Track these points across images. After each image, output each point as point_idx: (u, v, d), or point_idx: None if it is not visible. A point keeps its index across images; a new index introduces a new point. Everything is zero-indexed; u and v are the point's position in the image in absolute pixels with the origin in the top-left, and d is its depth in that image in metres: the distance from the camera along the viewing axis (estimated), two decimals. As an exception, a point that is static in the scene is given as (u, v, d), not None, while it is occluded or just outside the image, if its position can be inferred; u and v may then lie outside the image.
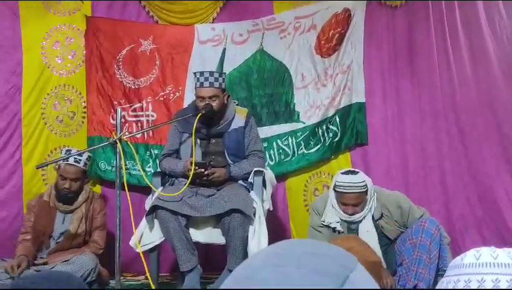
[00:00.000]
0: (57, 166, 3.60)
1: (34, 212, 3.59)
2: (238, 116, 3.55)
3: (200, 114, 3.37)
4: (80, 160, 3.54)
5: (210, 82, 3.42)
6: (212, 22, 4.25)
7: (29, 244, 3.51)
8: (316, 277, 0.59)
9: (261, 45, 4.21)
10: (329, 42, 4.22)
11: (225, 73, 3.72)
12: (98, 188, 4.16)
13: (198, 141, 3.49)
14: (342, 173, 3.20)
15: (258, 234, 3.25)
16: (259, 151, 3.57)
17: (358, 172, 3.20)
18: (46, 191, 3.66)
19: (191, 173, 3.27)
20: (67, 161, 3.52)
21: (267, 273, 0.60)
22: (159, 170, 3.69)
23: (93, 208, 3.65)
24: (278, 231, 3.98)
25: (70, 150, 3.60)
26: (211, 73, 3.48)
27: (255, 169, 3.47)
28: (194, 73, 3.55)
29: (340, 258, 0.62)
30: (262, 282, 0.60)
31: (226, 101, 3.50)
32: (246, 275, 0.62)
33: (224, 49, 4.20)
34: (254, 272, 0.62)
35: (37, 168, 3.53)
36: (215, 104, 3.42)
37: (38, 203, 3.61)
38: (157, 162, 3.84)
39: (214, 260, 3.77)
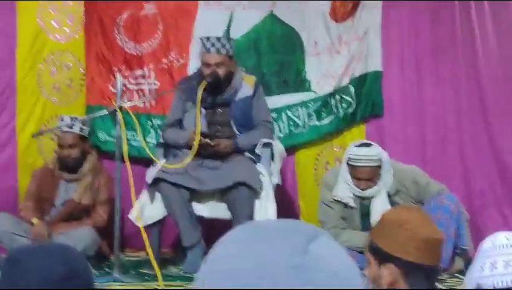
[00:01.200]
0: (55, 137, 3.61)
1: (38, 180, 3.66)
2: (246, 85, 3.50)
3: (204, 82, 3.32)
4: (73, 125, 3.57)
5: (217, 48, 3.37)
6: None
7: (31, 210, 3.55)
8: (288, 235, 0.67)
9: (272, 9, 4.13)
10: (345, 7, 4.13)
11: (233, 39, 3.65)
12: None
13: (203, 110, 3.45)
14: (355, 146, 3.16)
15: (265, 209, 3.22)
16: (267, 122, 3.53)
17: (372, 144, 3.16)
18: (51, 159, 3.73)
19: (196, 144, 3.23)
20: (62, 129, 3.56)
21: (244, 235, 0.71)
22: (161, 141, 3.65)
23: (99, 181, 3.67)
24: (286, 206, 3.94)
25: (63, 117, 3.63)
26: (218, 38, 3.43)
27: (263, 141, 3.42)
28: (200, 38, 3.51)
29: (309, 226, 0.70)
30: (238, 242, 0.70)
31: (233, 69, 3.45)
32: (223, 239, 0.73)
33: (232, 14, 4.13)
34: (232, 237, 0.73)
35: (33, 137, 3.53)
36: (221, 71, 3.38)
37: (42, 171, 3.69)
38: (160, 132, 3.80)
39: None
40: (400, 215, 1.66)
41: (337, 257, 0.67)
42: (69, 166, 3.61)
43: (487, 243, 1.37)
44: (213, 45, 3.38)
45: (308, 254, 0.65)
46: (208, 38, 3.42)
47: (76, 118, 3.60)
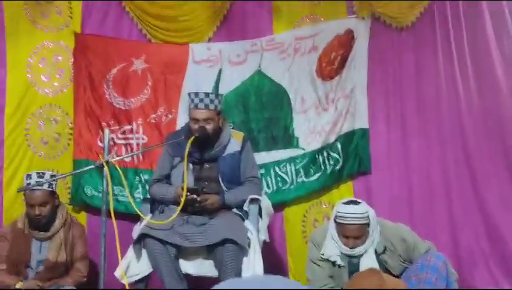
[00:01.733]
0: (23, 196, 3.53)
1: (9, 240, 3.53)
2: (234, 141, 3.53)
3: (193, 137, 3.35)
4: (43, 184, 3.45)
5: (205, 104, 3.41)
6: (208, 42, 4.24)
7: (7, 275, 3.45)
8: None
9: (260, 66, 4.21)
10: (331, 65, 4.22)
11: (221, 95, 3.71)
12: (83, 215, 4.12)
13: (191, 165, 3.46)
14: (343, 203, 3.17)
15: (252, 267, 3.20)
16: (255, 178, 3.55)
17: (360, 202, 3.17)
18: (19, 218, 3.59)
19: (183, 200, 3.23)
20: (30, 187, 3.43)
21: None
22: (148, 196, 3.65)
23: (73, 235, 3.58)
24: (274, 263, 3.92)
25: (30, 175, 3.52)
26: (206, 94, 3.47)
27: (251, 197, 3.43)
28: (189, 94, 3.54)
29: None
30: None
31: (221, 125, 3.49)
32: None
33: (220, 70, 4.20)
34: None
35: (18, 192, 3.49)
36: (209, 127, 3.41)
37: (12, 231, 3.55)
38: (147, 187, 3.79)
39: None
40: (354, 281, 1.62)
41: None
42: (41, 224, 3.49)
43: None
44: (202, 100, 3.42)
45: None
46: (196, 94, 3.46)
47: (43, 174, 3.49)
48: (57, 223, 3.52)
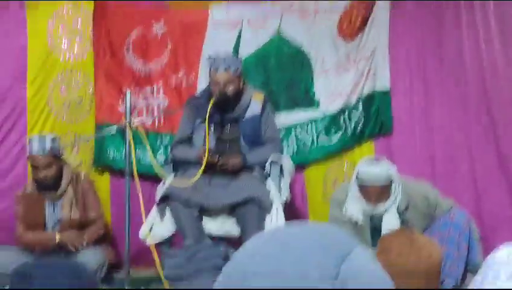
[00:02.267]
0: (26, 156, 3.59)
1: (24, 205, 3.60)
2: (255, 102, 3.54)
3: (213, 99, 3.37)
4: (45, 146, 3.50)
5: (225, 67, 3.42)
6: (229, 2, 4.22)
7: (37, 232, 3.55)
8: (317, 254, 0.65)
9: (280, 28, 4.18)
10: (353, 25, 4.17)
11: (241, 58, 3.70)
12: (106, 177, 4.18)
13: (212, 127, 3.48)
14: (365, 162, 3.17)
15: (275, 226, 3.23)
16: (276, 138, 3.57)
17: (382, 161, 3.16)
18: (28, 183, 3.65)
19: (204, 161, 3.27)
20: (32, 152, 3.49)
21: (269, 249, 0.67)
22: (170, 158, 3.69)
23: (82, 188, 3.64)
24: (296, 224, 3.95)
25: (31, 139, 3.53)
26: (227, 57, 3.47)
27: (272, 159, 3.46)
28: (209, 56, 3.55)
29: (342, 239, 0.68)
30: (263, 257, 0.66)
31: (241, 87, 3.50)
32: (246, 253, 0.70)
33: (240, 33, 4.18)
34: (254, 250, 0.68)
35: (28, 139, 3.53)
36: (230, 89, 3.42)
37: (23, 196, 3.62)
38: (169, 150, 3.83)
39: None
40: (384, 243, 1.63)
41: (369, 274, 0.63)
42: (49, 186, 3.55)
43: (491, 257, 1.37)
44: (222, 63, 3.44)
45: (339, 278, 0.63)
46: (216, 56, 3.48)
47: (44, 137, 3.52)
48: (64, 183, 3.58)
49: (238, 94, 3.49)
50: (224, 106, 3.44)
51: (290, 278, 0.59)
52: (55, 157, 3.56)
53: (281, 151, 3.64)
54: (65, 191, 3.59)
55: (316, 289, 0.61)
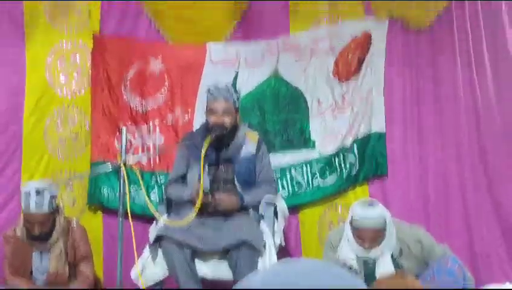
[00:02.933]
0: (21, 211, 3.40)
1: (12, 248, 3.46)
2: (249, 142, 3.53)
3: (210, 137, 3.36)
4: (43, 204, 3.30)
5: (224, 96, 3.42)
6: (226, 41, 4.26)
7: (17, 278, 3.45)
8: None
9: (276, 68, 4.22)
10: (348, 66, 4.22)
11: (239, 92, 3.71)
12: (99, 215, 4.17)
13: (206, 167, 3.48)
14: (359, 205, 3.17)
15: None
16: (271, 180, 3.56)
17: (376, 204, 3.17)
18: (18, 225, 3.46)
19: (199, 201, 3.26)
20: (29, 209, 3.28)
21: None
22: (164, 197, 3.68)
23: (73, 239, 3.50)
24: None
25: (29, 193, 3.29)
26: (226, 88, 3.47)
27: (267, 199, 3.46)
28: (208, 89, 3.53)
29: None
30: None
31: (237, 121, 3.51)
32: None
33: (237, 73, 4.22)
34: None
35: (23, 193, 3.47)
36: (227, 120, 3.40)
37: (13, 237, 3.46)
38: (163, 189, 3.83)
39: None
40: (380, 286, 1.63)
41: None
42: (40, 237, 3.39)
43: None
44: (221, 93, 3.43)
45: None
46: (216, 87, 3.47)
47: (43, 194, 3.29)
48: (55, 234, 3.42)
49: (234, 130, 3.48)
50: (220, 140, 3.39)
51: None
52: (52, 212, 3.40)
53: (276, 193, 3.64)
54: (56, 242, 3.44)
55: None
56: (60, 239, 3.45)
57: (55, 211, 3.45)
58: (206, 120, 3.52)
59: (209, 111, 3.45)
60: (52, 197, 3.38)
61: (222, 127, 3.38)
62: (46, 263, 3.47)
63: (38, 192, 3.30)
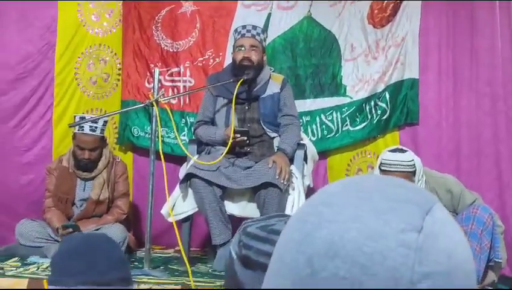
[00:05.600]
0: (72, 134, 3.62)
1: (55, 176, 3.65)
2: (273, 82, 3.57)
3: (241, 79, 3.39)
4: (96, 127, 3.54)
5: (252, 34, 3.48)
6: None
7: (58, 211, 3.60)
8: (399, 204, 0.59)
9: (309, 11, 4.20)
10: (383, 12, 4.17)
11: (267, 34, 3.72)
12: (129, 155, 4.25)
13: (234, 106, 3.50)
14: (389, 151, 3.18)
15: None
16: (295, 117, 3.58)
17: (406, 150, 3.18)
18: (64, 156, 3.68)
19: (230, 141, 3.30)
20: (83, 130, 3.52)
21: (346, 198, 0.60)
22: (193, 137, 3.73)
23: (115, 173, 3.69)
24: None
25: (84, 117, 3.55)
26: (254, 26, 3.55)
27: (300, 140, 3.50)
28: (236, 28, 3.61)
29: (423, 192, 0.62)
30: (339, 206, 0.59)
31: (264, 61, 3.53)
32: (321, 200, 0.61)
33: (269, 15, 4.20)
34: (330, 196, 0.61)
35: (70, 127, 3.59)
36: (254, 55, 3.45)
37: (58, 168, 3.65)
38: (192, 130, 3.88)
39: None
40: None
41: (451, 233, 0.59)
42: (87, 166, 3.60)
43: None
44: (249, 30, 3.50)
45: (423, 232, 0.57)
46: (243, 26, 3.55)
47: (97, 119, 3.53)
48: (101, 164, 3.64)
49: (260, 67, 3.50)
50: (247, 72, 3.40)
51: (370, 228, 0.57)
52: (102, 139, 3.64)
53: (300, 129, 3.68)
54: (99, 173, 3.64)
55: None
56: (104, 171, 3.64)
57: (104, 140, 3.64)
58: (233, 60, 3.54)
59: (237, 48, 3.50)
60: (105, 122, 3.61)
61: (249, 60, 3.43)
62: (88, 191, 3.65)
63: (93, 118, 3.53)
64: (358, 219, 0.57)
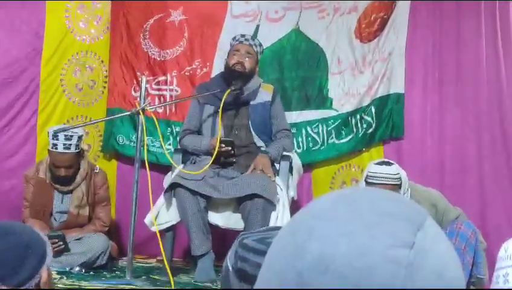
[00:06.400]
0: (47, 148, 3.50)
1: (32, 185, 3.56)
2: (264, 91, 3.60)
3: (229, 90, 3.39)
4: (71, 145, 3.40)
5: (250, 43, 3.55)
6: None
7: (38, 220, 3.53)
8: (390, 219, 0.58)
9: (298, 24, 4.21)
10: (371, 27, 4.20)
11: (263, 47, 3.74)
12: (113, 163, 4.22)
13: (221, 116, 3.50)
14: (375, 164, 3.20)
15: (280, 222, 3.25)
16: (288, 130, 3.61)
17: (393, 163, 3.20)
18: (41, 165, 3.57)
19: (215, 151, 3.29)
20: (56, 148, 3.37)
21: (336, 211, 0.59)
22: (179, 147, 3.72)
23: (94, 183, 3.61)
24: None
25: (57, 136, 3.39)
26: (252, 38, 3.63)
27: (283, 153, 3.50)
28: (234, 36, 3.66)
29: (414, 206, 0.61)
30: (330, 219, 0.59)
31: (256, 69, 3.56)
32: (312, 214, 0.61)
33: (258, 26, 4.22)
34: (321, 210, 0.61)
35: (52, 133, 3.53)
36: (248, 62, 3.48)
37: (35, 178, 3.55)
38: (178, 139, 3.86)
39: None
40: None
41: (443, 249, 0.58)
42: (64, 180, 3.50)
43: (501, 251, 1.37)
44: (247, 39, 3.57)
45: (414, 248, 0.56)
46: (243, 34, 3.63)
47: (71, 136, 3.39)
48: (79, 177, 3.54)
49: (251, 75, 3.53)
50: (234, 83, 3.42)
51: (359, 243, 0.56)
52: (78, 155, 3.51)
53: (293, 145, 3.70)
54: (78, 185, 3.56)
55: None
56: (83, 183, 3.56)
57: (80, 153, 3.54)
58: (226, 64, 3.57)
59: (232, 52, 3.54)
60: (79, 138, 3.47)
61: (242, 66, 3.46)
62: (67, 205, 3.57)
63: (66, 133, 3.41)
64: (349, 233, 0.57)
